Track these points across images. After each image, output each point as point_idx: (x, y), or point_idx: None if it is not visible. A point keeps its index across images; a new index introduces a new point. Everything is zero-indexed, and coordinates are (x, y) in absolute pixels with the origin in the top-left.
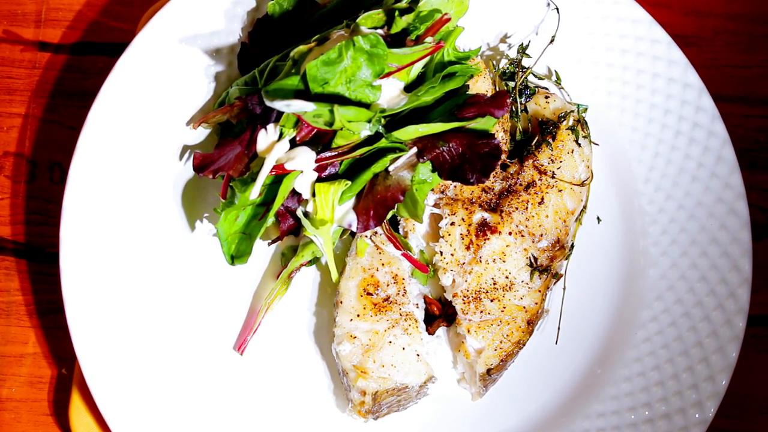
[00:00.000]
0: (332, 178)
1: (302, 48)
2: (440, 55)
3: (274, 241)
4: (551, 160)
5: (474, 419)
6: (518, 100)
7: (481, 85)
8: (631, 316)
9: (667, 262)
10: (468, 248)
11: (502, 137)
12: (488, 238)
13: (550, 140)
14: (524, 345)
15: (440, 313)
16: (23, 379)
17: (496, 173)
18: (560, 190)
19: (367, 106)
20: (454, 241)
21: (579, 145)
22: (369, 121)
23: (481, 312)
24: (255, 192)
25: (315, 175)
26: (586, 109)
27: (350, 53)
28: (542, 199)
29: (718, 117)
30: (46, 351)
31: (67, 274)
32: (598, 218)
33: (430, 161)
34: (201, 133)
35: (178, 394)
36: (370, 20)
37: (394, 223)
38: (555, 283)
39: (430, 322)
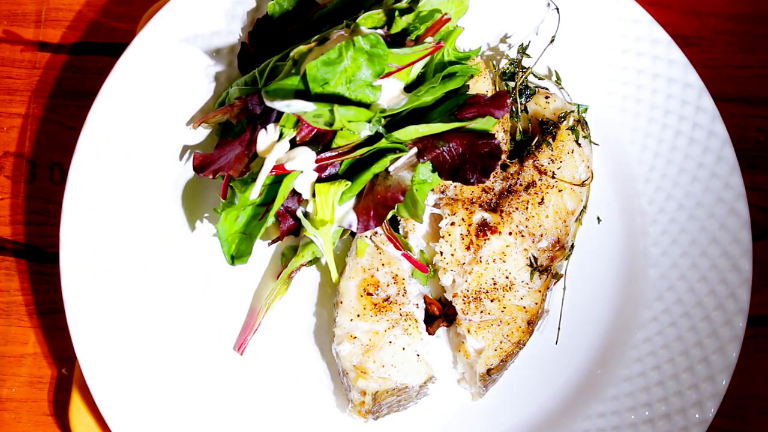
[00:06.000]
0: (332, 178)
1: (302, 48)
2: (440, 55)
3: (274, 241)
4: (551, 160)
5: (474, 419)
6: (518, 100)
7: (481, 85)
8: (631, 316)
9: (667, 262)
10: (468, 248)
11: (502, 137)
12: (488, 238)
13: (550, 140)
14: (524, 345)
15: (440, 313)
16: (23, 379)
17: (496, 173)
18: (560, 190)
19: (367, 106)
20: (454, 241)
21: (579, 145)
22: (369, 121)
23: (481, 312)
24: (255, 192)
25: (315, 175)
26: (586, 109)
27: (350, 53)
28: (542, 199)
29: (718, 117)
30: (46, 351)
31: (67, 274)
32: (598, 218)
33: (430, 161)
34: (201, 133)
35: (178, 394)
36: (370, 20)
37: (394, 223)
38: (555, 283)
39: (430, 322)
